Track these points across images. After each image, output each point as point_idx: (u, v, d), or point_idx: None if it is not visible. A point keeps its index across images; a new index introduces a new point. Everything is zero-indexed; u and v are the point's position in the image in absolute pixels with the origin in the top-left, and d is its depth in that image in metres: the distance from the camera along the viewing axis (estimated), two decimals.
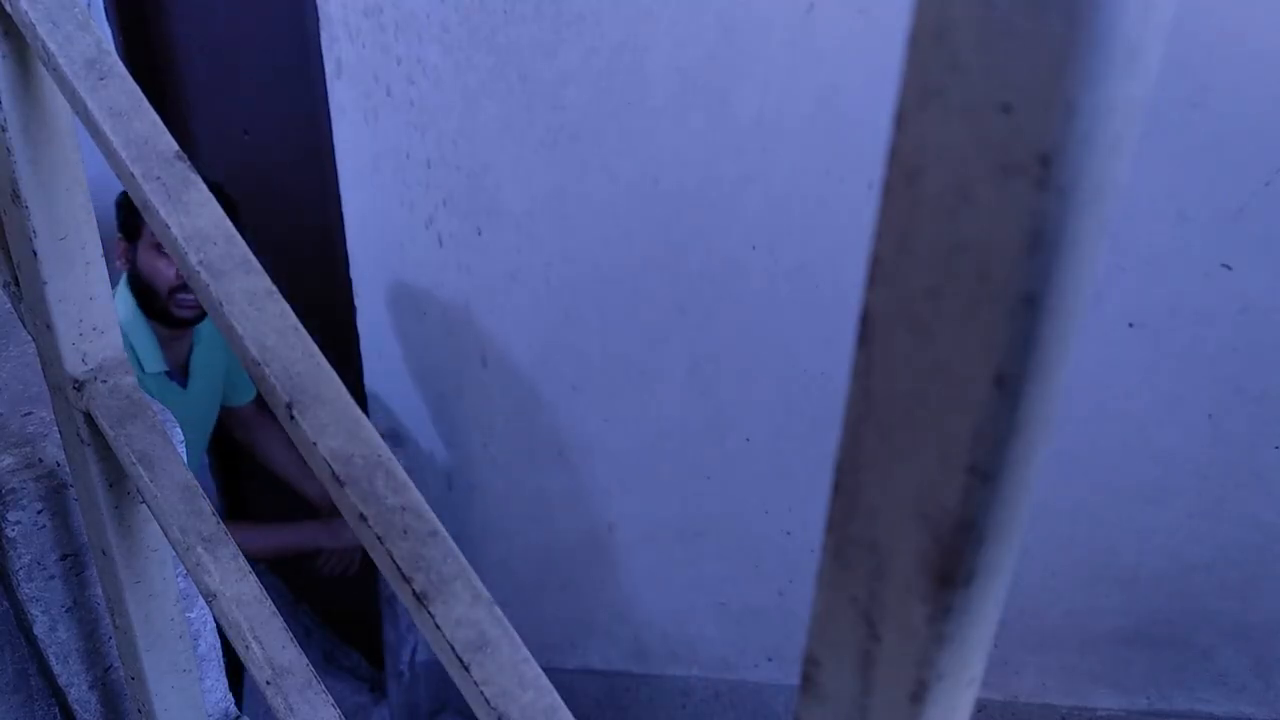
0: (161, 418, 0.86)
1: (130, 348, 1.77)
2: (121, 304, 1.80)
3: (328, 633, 2.64)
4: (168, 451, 0.80)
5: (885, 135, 0.22)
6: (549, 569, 2.17)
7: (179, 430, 0.95)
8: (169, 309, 1.78)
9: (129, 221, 1.79)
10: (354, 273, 2.04)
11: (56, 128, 0.75)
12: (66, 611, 0.99)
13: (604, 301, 1.88)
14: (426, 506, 0.53)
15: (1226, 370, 1.52)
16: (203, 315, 1.76)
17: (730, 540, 1.99)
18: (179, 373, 1.92)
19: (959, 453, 0.22)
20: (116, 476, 0.86)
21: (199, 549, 0.75)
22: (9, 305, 1.10)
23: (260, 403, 2.13)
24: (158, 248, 1.73)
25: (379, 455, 0.54)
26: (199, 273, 0.59)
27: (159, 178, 0.62)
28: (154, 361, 1.81)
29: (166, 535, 0.79)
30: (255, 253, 0.61)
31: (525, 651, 0.49)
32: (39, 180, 0.75)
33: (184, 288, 1.72)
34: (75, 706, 1.04)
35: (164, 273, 1.75)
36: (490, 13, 1.68)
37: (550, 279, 1.90)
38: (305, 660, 0.72)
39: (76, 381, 0.82)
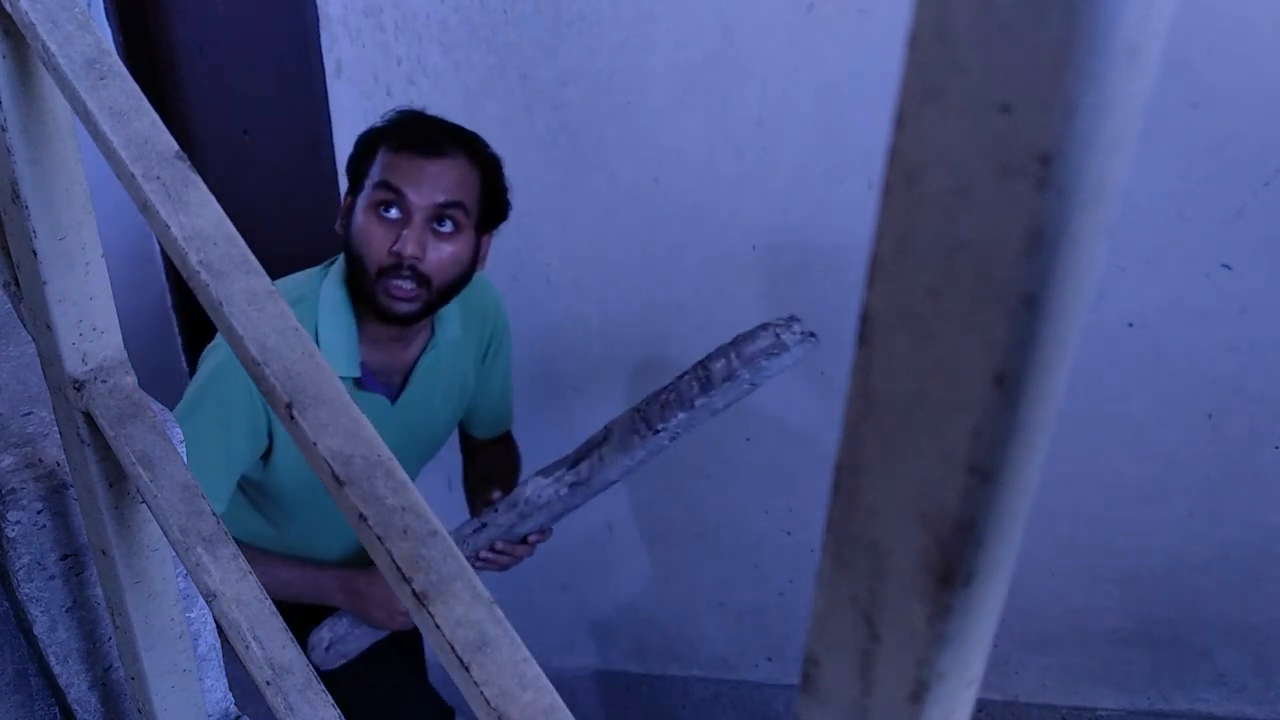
0: (161, 418, 0.86)
1: (315, 340, 1.42)
2: (329, 283, 1.37)
3: None
4: (168, 451, 0.80)
5: (885, 135, 0.22)
6: (549, 569, 2.17)
7: (179, 430, 0.95)
8: (375, 295, 1.30)
9: (354, 167, 1.36)
10: None
11: (56, 128, 0.75)
12: (66, 611, 0.99)
13: (604, 301, 1.88)
14: (426, 506, 0.53)
15: (1226, 370, 1.52)
16: (422, 314, 1.32)
17: (730, 540, 1.99)
18: (388, 383, 1.44)
19: (959, 453, 0.22)
20: (116, 476, 0.86)
21: (199, 549, 0.75)
22: (9, 305, 1.10)
23: (506, 439, 1.68)
24: (379, 208, 1.28)
25: (379, 455, 0.54)
26: (199, 273, 0.59)
27: (159, 178, 0.62)
28: (344, 361, 1.37)
29: (166, 535, 0.79)
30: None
31: (525, 651, 0.49)
32: (39, 180, 0.75)
33: (397, 269, 1.27)
34: (75, 706, 1.04)
35: (375, 244, 1.28)
36: (490, 13, 1.69)
37: (550, 279, 1.90)
38: (305, 660, 0.72)
39: (76, 381, 0.82)
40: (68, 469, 0.93)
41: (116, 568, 0.88)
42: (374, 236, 1.28)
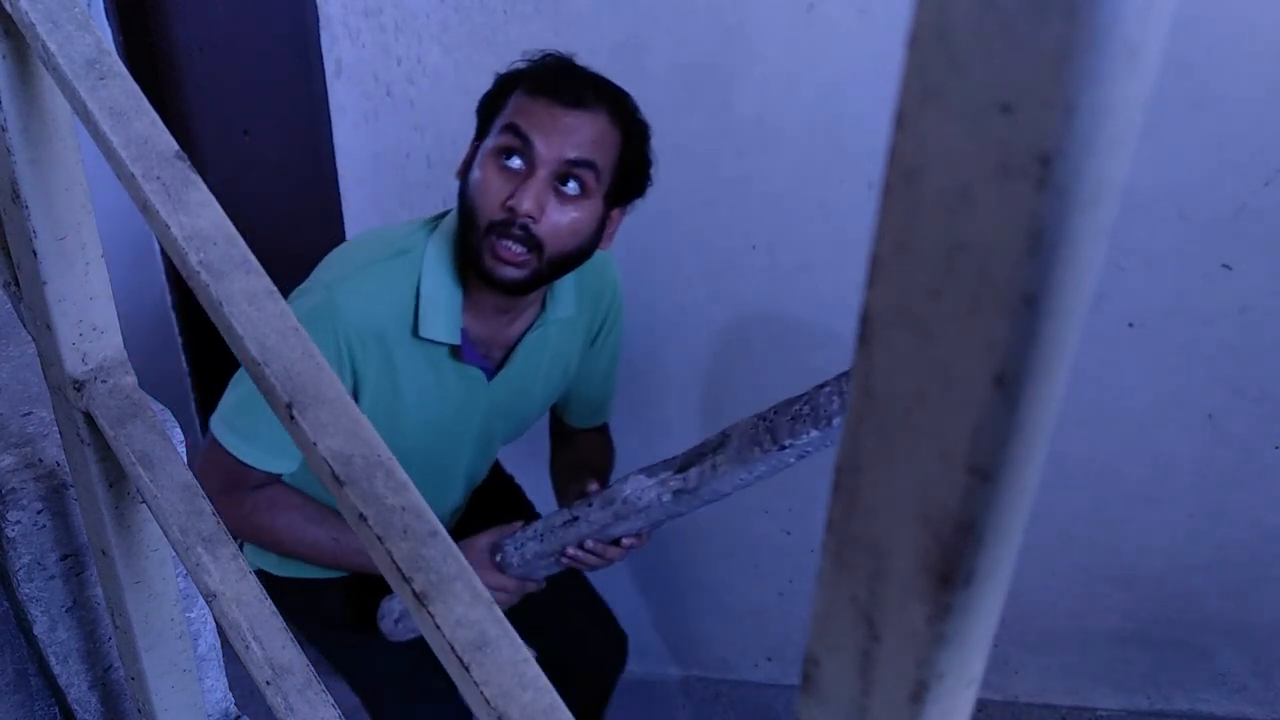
0: (161, 418, 0.86)
1: (416, 298, 1.21)
2: (437, 239, 1.22)
3: None
4: (168, 451, 0.80)
5: (885, 135, 0.22)
6: None
7: (179, 430, 0.94)
8: (481, 254, 1.15)
9: (485, 108, 1.23)
10: None
11: (56, 128, 0.75)
12: (66, 611, 0.99)
13: None
14: (426, 506, 0.53)
15: (1226, 370, 1.52)
16: (528, 285, 1.18)
17: (730, 540, 1.99)
18: (487, 357, 1.30)
19: (959, 453, 0.22)
20: (116, 476, 0.86)
21: (199, 549, 0.75)
22: (9, 305, 1.10)
23: (603, 432, 1.56)
24: (501, 156, 1.15)
25: (379, 455, 0.54)
26: (199, 273, 0.59)
27: (159, 178, 0.62)
28: (440, 325, 1.21)
29: (166, 535, 0.79)
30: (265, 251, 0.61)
31: (525, 651, 0.49)
32: (39, 180, 0.75)
33: (508, 226, 1.13)
34: (75, 706, 1.04)
35: (491, 194, 1.14)
36: (490, 13, 1.69)
37: None
38: (305, 660, 0.72)
39: (76, 381, 0.82)
40: (68, 469, 0.93)
41: (116, 568, 0.88)
42: (490, 187, 1.15)
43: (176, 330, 2.58)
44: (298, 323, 0.58)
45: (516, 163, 1.14)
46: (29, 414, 1.03)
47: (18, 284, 0.85)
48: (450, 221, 1.24)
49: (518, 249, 1.14)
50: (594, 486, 1.24)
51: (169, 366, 2.60)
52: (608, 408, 1.53)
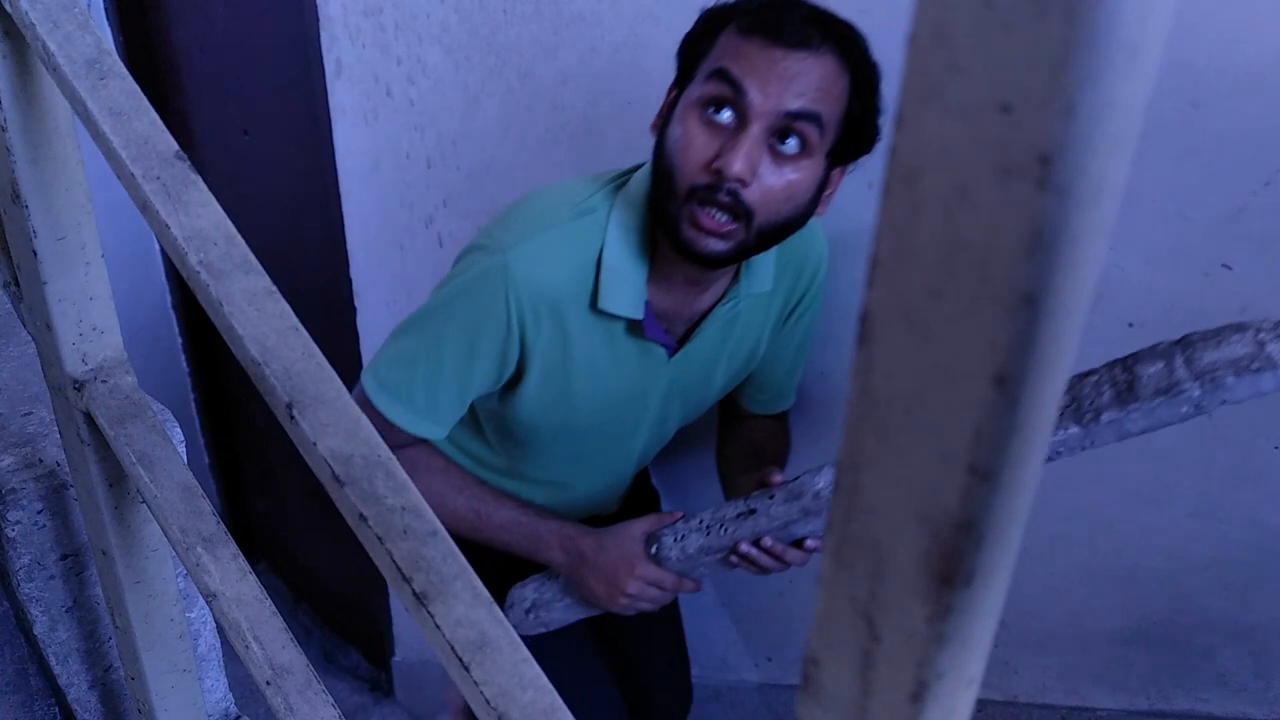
0: (161, 418, 0.86)
1: (596, 267, 1.08)
2: (624, 200, 1.09)
3: (328, 633, 2.64)
4: (168, 451, 0.80)
5: (885, 135, 0.22)
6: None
7: (179, 430, 0.94)
8: (678, 223, 1.00)
9: (686, 51, 1.08)
10: (354, 273, 2.04)
11: (56, 128, 0.75)
12: (66, 611, 0.99)
13: None
14: (427, 506, 0.53)
15: None
16: (731, 258, 1.03)
17: None
18: (669, 331, 1.16)
19: (959, 453, 0.22)
20: (116, 476, 0.86)
21: (199, 549, 0.75)
22: (9, 305, 1.10)
23: (783, 419, 1.41)
24: (707, 107, 0.98)
25: (379, 455, 0.54)
26: (199, 273, 0.59)
27: (159, 178, 0.62)
28: (622, 299, 1.08)
29: (166, 535, 0.79)
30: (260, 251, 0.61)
31: (525, 651, 0.49)
32: (39, 180, 0.75)
33: (713, 192, 0.97)
34: (75, 706, 1.04)
35: (693, 154, 0.98)
36: (490, 13, 1.69)
37: None
38: (305, 660, 0.72)
39: (76, 381, 0.82)
40: (68, 469, 0.93)
41: (116, 568, 0.89)
42: (693, 143, 0.98)
43: (176, 330, 2.58)
44: (297, 322, 0.58)
45: (726, 115, 0.97)
46: (29, 414, 1.03)
47: (18, 284, 0.85)
48: (640, 182, 1.08)
49: (722, 218, 0.98)
50: (778, 477, 1.08)
51: (169, 366, 2.60)
52: (791, 393, 1.38)
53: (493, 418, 1.22)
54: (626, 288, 1.08)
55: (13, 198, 0.76)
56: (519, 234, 1.07)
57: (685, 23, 1.64)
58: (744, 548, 1.08)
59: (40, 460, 0.96)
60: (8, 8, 0.68)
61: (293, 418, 0.54)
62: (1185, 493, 1.63)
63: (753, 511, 1.06)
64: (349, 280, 2.04)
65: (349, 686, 2.52)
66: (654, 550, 1.14)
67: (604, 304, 1.07)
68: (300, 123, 2.03)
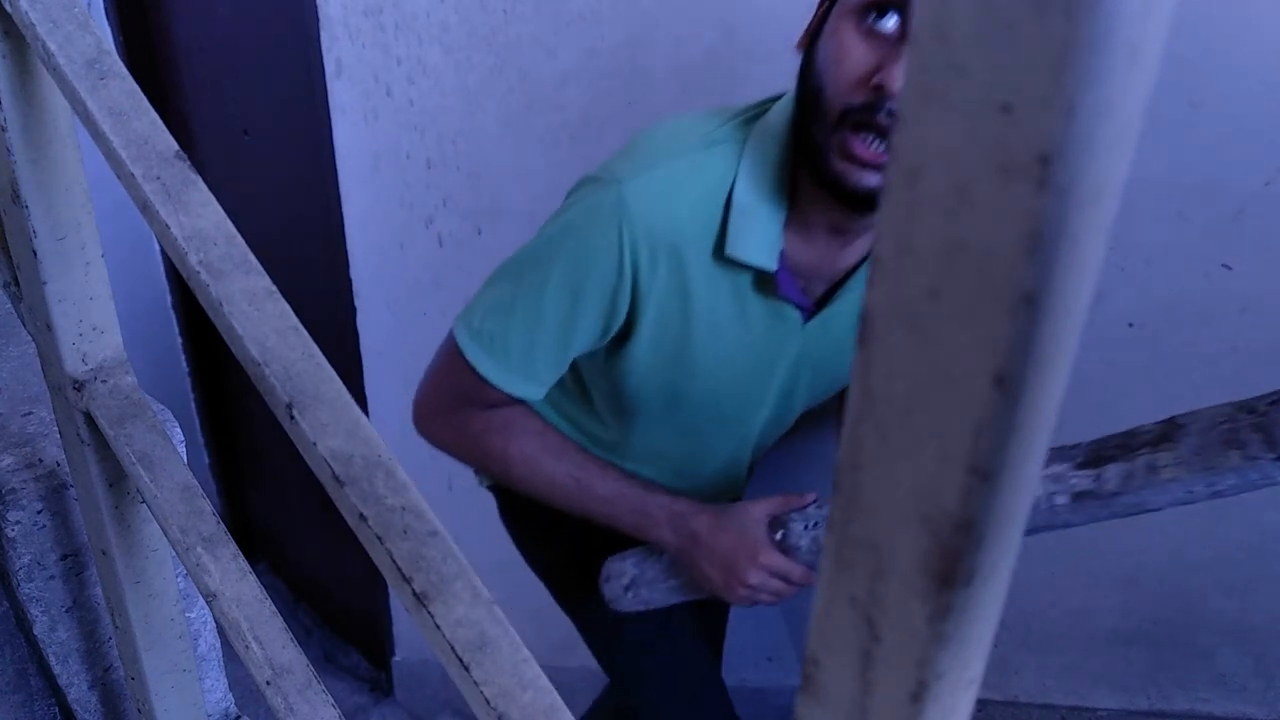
0: (161, 418, 0.86)
1: (726, 207, 0.94)
2: (761, 131, 0.95)
3: (328, 633, 2.64)
4: (168, 451, 0.80)
5: None
6: None
7: (179, 430, 0.94)
8: (827, 153, 0.86)
9: None
10: (354, 273, 2.04)
11: (56, 128, 0.75)
12: (66, 611, 0.99)
13: None
14: (426, 506, 0.53)
15: (1226, 370, 1.52)
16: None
17: None
18: (806, 291, 1.01)
19: (959, 453, 0.22)
20: (116, 476, 0.86)
21: (199, 549, 0.75)
22: (9, 305, 1.10)
23: None
24: (866, 14, 0.83)
25: (379, 455, 0.54)
26: (199, 273, 0.59)
27: (159, 178, 0.62)
28: (754, 246, 0.94)
29: (166, 535, 0.79)
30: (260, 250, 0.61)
31: (525, 651, 0.49)
32: (39, 180, 0.75)
33: (871, 114, 0.83)
34: (75, 706, 1.04)
35: (848, 68, 0.83)
36: (490, 13, 1.69)
37: None
38: (305, 660, 0.72)
39: (76, 381, 0.82)
40: (68, 469, 0.93)
41: (116, 568, 0.89)
42: (849, 56, 0.83)
43: (176, 330, 2.58)
44: (297, 322, 0.58)
45: (891, 23, 0.82)
46: (29, 414, 1.03)
47: (18, 284, 0.85)
48: (780, 112, 0.95)
49: (880, 146, 0.84)
50: None
51: (169, 366, 2.60)
52: None
53: (599, 381, 1.10)
54: (760, 233, 0.93)
55: (13, 198, 0.76)
56: (639, 164, 0.95)
57: (685, 23, 1.64)
58: None
59: (40, 460, 0.96)
60: (8, 8, 0.68)
61: (293, 418, 0.54)
62: None
63: None
64: (349, 280, 2.04)
65: (349, 686, 2.52)
66: (779, 537, 1.03)
67: (732, 250, 0.94)
68: (300, 123, 2.03)
